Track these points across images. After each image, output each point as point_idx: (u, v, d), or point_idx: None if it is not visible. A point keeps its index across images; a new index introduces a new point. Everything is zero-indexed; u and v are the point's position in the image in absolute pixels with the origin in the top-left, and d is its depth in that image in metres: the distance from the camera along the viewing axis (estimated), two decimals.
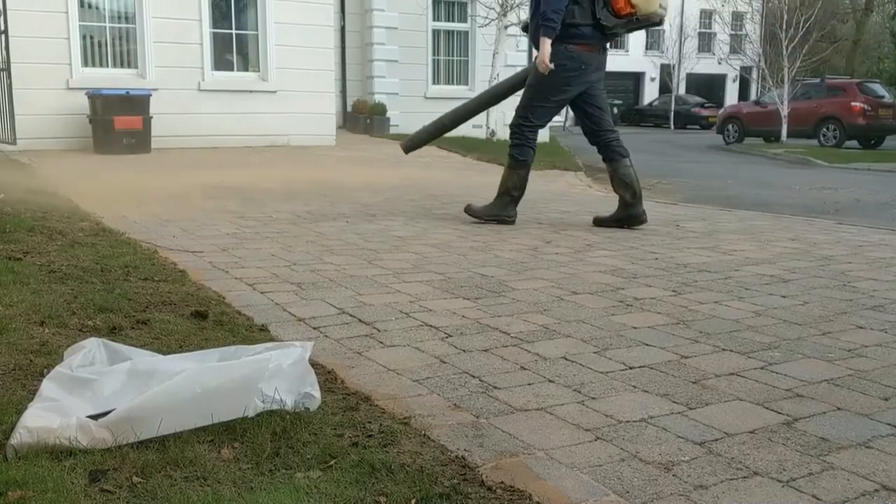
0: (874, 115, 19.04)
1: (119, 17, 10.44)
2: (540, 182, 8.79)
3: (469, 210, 5.10)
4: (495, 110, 14.40)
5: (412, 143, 5.73)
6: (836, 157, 15.63)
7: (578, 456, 1.70)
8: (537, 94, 4.88)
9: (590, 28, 4.73)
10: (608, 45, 5.00)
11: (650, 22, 5.00)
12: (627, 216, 4.98)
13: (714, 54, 33.98)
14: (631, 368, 2.28)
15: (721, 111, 24.46)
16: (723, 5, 30.40)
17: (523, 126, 4.92)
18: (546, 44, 4.68)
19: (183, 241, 4.11)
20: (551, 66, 4.68)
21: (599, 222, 5.07)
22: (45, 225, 4.24)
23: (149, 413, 1.65)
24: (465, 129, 15.03)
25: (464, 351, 2.41)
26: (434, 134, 5.65)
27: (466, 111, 5.54)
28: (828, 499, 1.54)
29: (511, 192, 5.01)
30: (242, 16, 11.36)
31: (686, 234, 4.93)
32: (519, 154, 4.96)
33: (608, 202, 7.11)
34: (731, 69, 30.62)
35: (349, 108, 15.50)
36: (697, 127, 31.44)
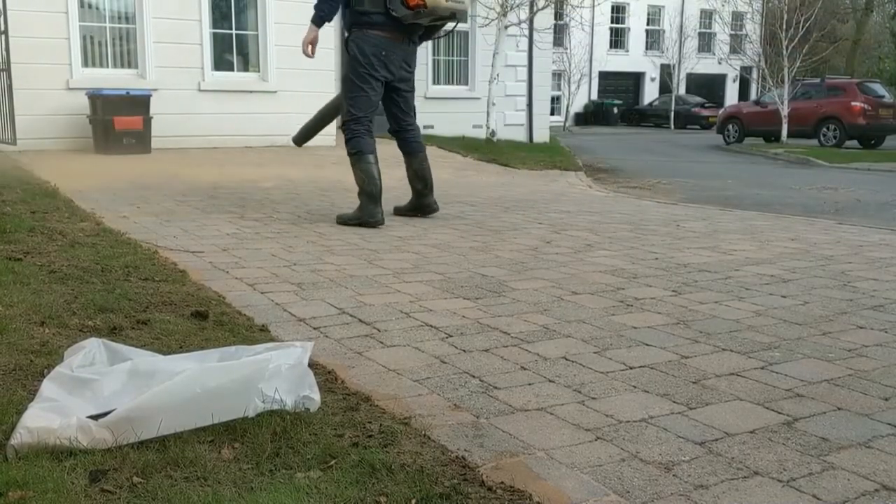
0: (874, 114, 19.05)
1: (119, 18, 10.44)
2: (540, 182, 8.79)
3: (338, 218, 4.91)
4: (494, 110, 14.50)
5: (301, 136, 5.96)
6: (837, 157, 15.64)
7: (579, 456, 1.70)
8: (350, 85, 4.88)
9: (381, 16, 4.73)
10: (415, 39, 4.94)
11: (443, 17, 4.85)
12: (420, 205, 5.26)
13: (714, 54, 34.00)
14: (631, 368, 2.28)
15: (721, 111, 24.46)
16: (723, 5, 30.41)
17: (347, 121, 4.86)
18: (310, 31, 4.83)
19: (183, 242, 4.11)
20: (311, 53, 4.90)
21: (398, 211, 5.29)
22: (46, 225, 4.24)
23: (149, 413, 1.65)
24: (465, 129, 15.11)
25: (464, 351, 2.41)
26: (320, 123, 5.89)
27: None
28: (828, 499, 1.54)
29: (365, 190, 4.78)
30: (242, 16, 11.36)
31: (686, 234, 4.93)
32: (351, 147, 4.84)
33: (609, 202, 7.12)
34: (731, 69, 30.63)
35: None
36: (698, 127, 31.44)
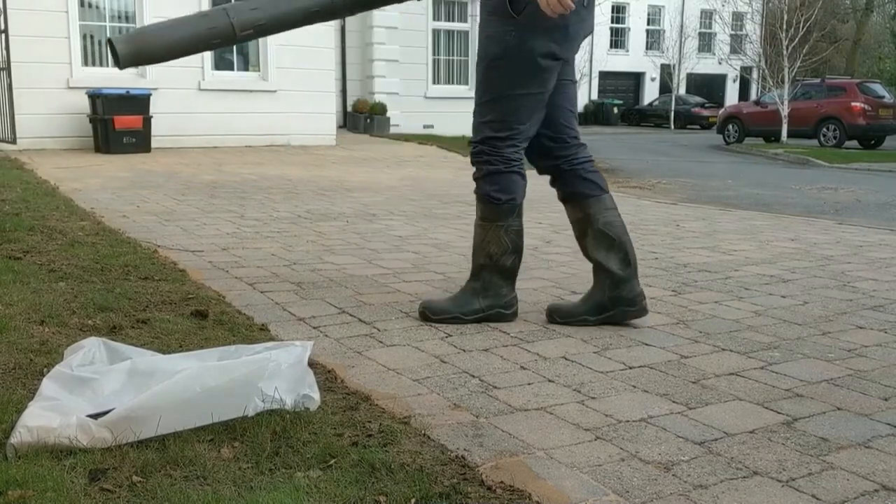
0: (874, 115, 19.05)
1: (119, 17, 10.44)
2: (540, 182, 8.77)
3: (428, 308, 2.73)
4: None
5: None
6: (837, 157, 15.63)
7: (578, 455, 1.70)
8: (508, 71, 2.55)
9: None
10: None
11: None
12: (617, 298, 2.73)
13: (714, 54, 33.98)
14: (631, 368, 2.28)
15: (721, 111, 24.45)
16: (723, 5, 30.40)
17: (496, 140, 2.61)
18: None
19: (183, 241, 4.11)
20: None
21: (566, 316, 2.75)
22: (45, 224, 4.24)
23: (149, 412, 1.65)
24: (465, 129, 15.08)
25: (464, 350, 2.41)
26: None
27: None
28: (827, 499, 1.54)
29: (499, 263, 2.68)
30: None
31: (686, 233, 4.93)
32: (496, 189, 2.62)
33: None
34: (731, 69, 30.61)
35: (349, 108, 15.51)
36: (698, 127, 31.43)
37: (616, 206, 2.75)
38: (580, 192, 2.74)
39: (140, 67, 10.38)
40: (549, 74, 2.57)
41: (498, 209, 2.65)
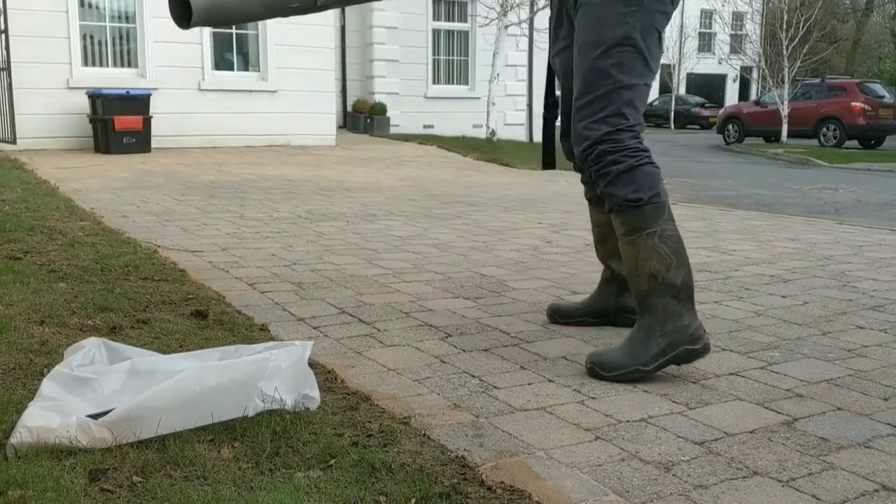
0: (874, 115, 19.06)
1: (119, 17, 10.44)
2: (540, 182, 8.80)
3: (599, 364, 2.21)
4: (495, 110, 14.50)
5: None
6: (837, 157, 15.64)
7: (578, 456, 1.70)
8: (628, 57, 2.24)
9: None
10: None
11: None
12: (616, 306, 2.70)
13: (714, 54, 33.98)
14: None
15: (721, 111, 24.46)
16: (723, 5, 30.40)
17: (617, 133, 2.25)
18: None
19: (183, 241, 4.11)
20: None
21: (563, 316, 2.74)
22: (45, 224, 4.24)
23: (149, 412, 1.65)
24: (465, 129, 15.08)
25: (464, 350, 2.41)
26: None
27: None
28: (828, 499, 1.54)
29: (667, 280, 2.19)
30: None
31: (686, 233, 4.91)
32: (633, 190, 2.21)
33: None
34: (731, 69, 30.64)
35: (349, 108, 15.52)
36: (698, 127, 31.44)
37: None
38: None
39: (140, 67, 10.40)
40: (659, 60, 2.35)
41: (642, 212, 2.20)
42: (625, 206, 2.22)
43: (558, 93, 2.58)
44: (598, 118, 2.25)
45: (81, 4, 10.08)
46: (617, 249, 2.49)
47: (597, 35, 2.24)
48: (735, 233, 5.00)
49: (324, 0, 2.35)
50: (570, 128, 2.42)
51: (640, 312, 2.25)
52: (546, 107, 2.64)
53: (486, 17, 14.58)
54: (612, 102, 2.24)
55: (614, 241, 2.46)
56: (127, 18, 10.45)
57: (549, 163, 2.70)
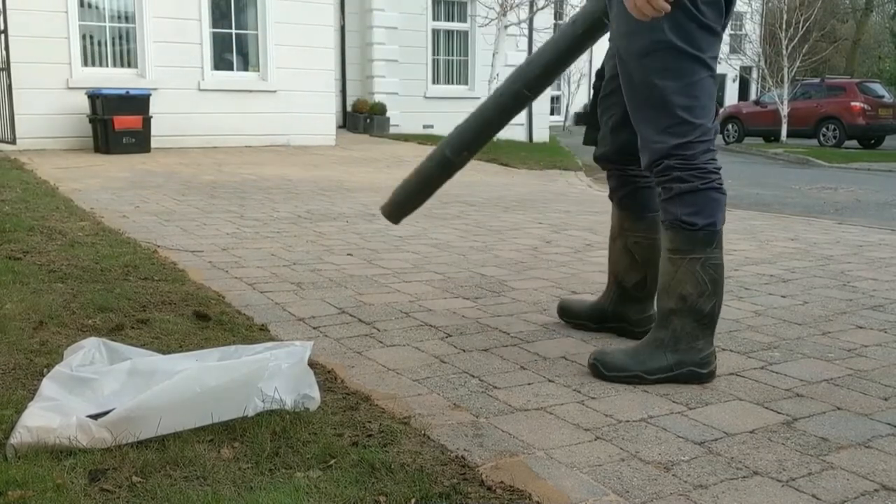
0: (874, 114, 19.06)
1: (119, 17, 10.44)
2: (540, 182, 8.79)
3: (602, 362, 2.22)
4: None
5: (396, 208, 2.85)
6: (836, 157, 15.64)
7: (578, 455, 1.70)
8: (669, 61, 2.10)
9: None
10: None
11: None
12: (617, 313, 2.65)
13: None
14: None
15: (721, 111, 24.42)
16: None
17: (690, 147, 2.13)
18: None
19: (183, 241, 4.11)
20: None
21: (569, 314, 2.74)
22: (45, 224, 4.24)
23: (148, 412, 1.65)
24: None
25: (464, 350, 2.41)
26: (423, 187, 2.80)
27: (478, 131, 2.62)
28: (827, 499, 1.54)
29: (696, 307, 2.17)
30: (242, 15, 11.36)
31: None
32: (691, 213, 2.15)
33: (608, 201, 7.09)
34: (730, 69, 30.58)
35: (349, 108, 15.51)
36: None
37: (656, 230, 2.36)
38: (626, 203, 2.51)
39: (139, 67, 10.41)
40: (712, 41, 2.16)
41: (693, 237, 2.13)
42: (678, 225, 2.15)
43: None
44: (661, 129, 2.14)
45: (81, 4, 10.07)
46: (622, 255, 2.52)
47: (629, 42, 2.15)
48: (735, 232, 5.00)
49: (458, 156, 2.57)
50: (598, 122, 2.44)
51: (657, 325, 2.23)
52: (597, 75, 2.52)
53: (486, 18, 14.58)
54: (668, 110, 2.11)
55: (621, 245, 2.50)
56: (127, 18, 10.45)
57: (591, 138, 2.56)
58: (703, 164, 2.13)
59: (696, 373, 2.17)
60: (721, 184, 2.18)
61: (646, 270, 2.49)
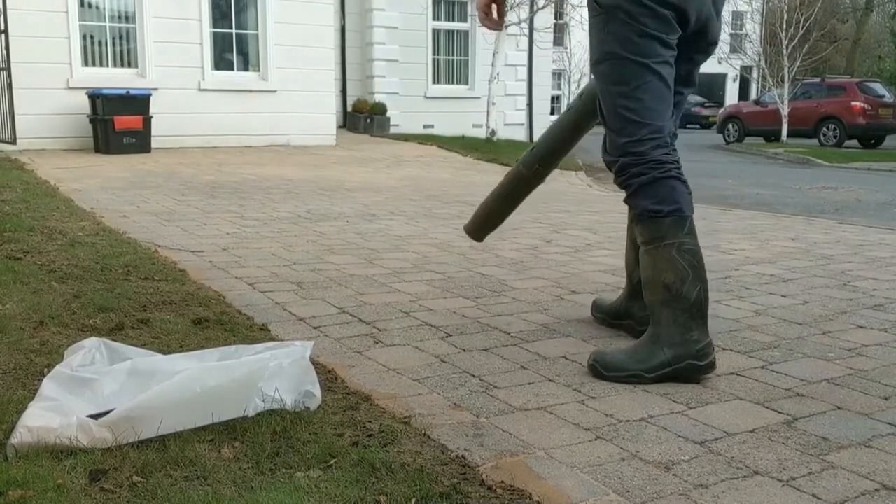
0: (874, 114, 19.07)
1: (119, 17, 10.44)
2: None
3: (601, 363, 2.22)
4: (494, 110, 14.50)
5: (479, 225, 3.00)
6: (837, 157, 15.64)
7: (578, 455, 1.70)
8: (614, 68, 2.26)
9: None
10: None
11: None
12: (627, 311, 2.69)
13: (714, 54, 33.98)
14: None
15: (721, 111, 24.47)
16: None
17: (641, 144, 2.25)
18: None
19: (183, 241, 4.11)
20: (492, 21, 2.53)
21: (601, 312, 2.76)
22: (46, 224, 4.24)
23: (149, 412, 1.65)
24: (465, 129, 15.08)
25: (464, 350, 2.41)
26: (506, 202, 2.97)
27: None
28: (828, 498, 1.54)
29: (682, 295, 2.19)
30: (242, 15, 11.37)
31: None
32: (655, 201, 2.24)
33: (608, 201, 7.11)
34: (731, 69, 30.57)
35: (349, 108, 15.51)
36: (698, 126, 31.44)
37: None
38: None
39: (140, 67, 10.41)
40: (657, 48, 2.28)
41: (662, 224, 2.21)
42: (645, 215, 2.24)
43: None
44: (615, 130, 2.28)
45: (81, 4, 10.08)
46: (630, 249, 2.55)
47: (592, 52, 2.33)
48: (735, 232, 5.00)
49: (531, 169, 2.74)
50: None
51: (651, 321, 2.25)
52: None
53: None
54: (617, 112, 2.26)
55: (630, 240, 2.54)
56: (127, 18, 10.45)
57: None
58: (656, 157, 2.23)
59: (695, 365, 2.17)
60: (680, 173, 2.26)
61: None
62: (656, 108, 2.24)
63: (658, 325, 2.22)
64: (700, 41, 2.34)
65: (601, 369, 2.20)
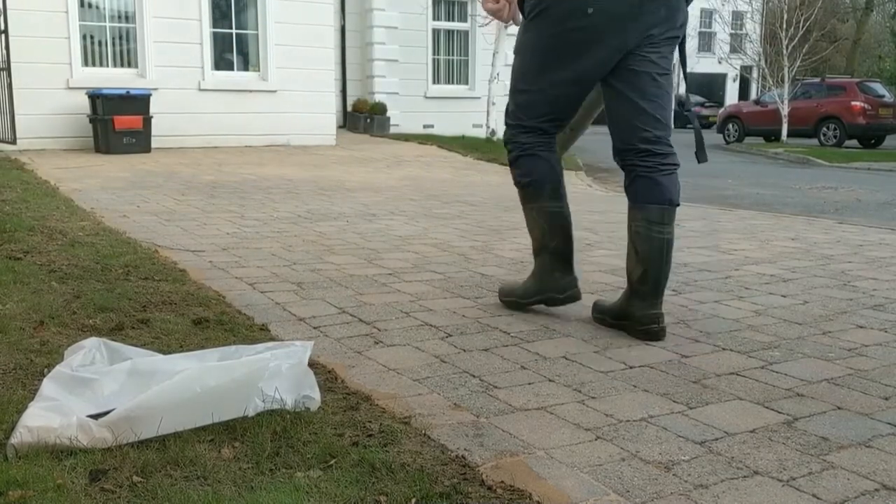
0: (874, 114, 19.06)
1: (119, 17, 10.44)
2: None
3: (500, 289, 2.99)
4: (495, 110, 14.50)
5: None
6: (837, 157, 15.64)
7: (578, 455, 1.70)
8: (517, 60, 2.73)
9: None
10: None
11: None
12: (627, 312, 2.72)
13: (714, 54, 33.96)
14: (631, 368, 2.28)
15: (721, 110, 24.46)
16: (723, 4, 30.37)
17: (513, 129, 2.76)
18: None
19: (183, 241, 4.11)
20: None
21: (601, 311, 2.79)
22: (46, 224, 4.24)
23: (149, 412, 1.65)
24: (465, 129, 15.07)
25: (464, 350, 2.41)
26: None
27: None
28: (828, 498, 1.54)
29: (546, 245, 2.79)
30: (242, 15, 11.37)
31: (686, 233, 4.93)
32: (520, 174, 2.78)
33: (609, 201, 7.11)
34: (731, 68, 30.59)
35: (349, 108, 15.51)
36: None
37: (659, 221, 2.53)
38: (627, 191, 2.65)
39: (140, 67, 10.41)
40: (563, 72, 2.62)
41: (524, 193, 2.79)
42: (517, 184, 2.81)
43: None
44: (506, 112, 2.80)
45: (81, 4, 10.08)
46: (629, 246, 2.64)
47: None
48: (735, 232, 5.00)
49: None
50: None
51: (535, 258, 2.84)
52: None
53: (486, 17, 14.52)
54: (511, 102, 2.76)
55: (629, 237, 2.63)
56: (127, 18, 10.45)
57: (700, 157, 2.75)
58: (521, 140, 2.75)
59: (555, 297, 2.80)
60: (536, 151, 2.72)
61: (646, 265, 2.55)
62: (541, 110, 2.68)
63: (536, 266, 2.83)
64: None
65: (500, 294, 2.94)
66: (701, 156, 2.71)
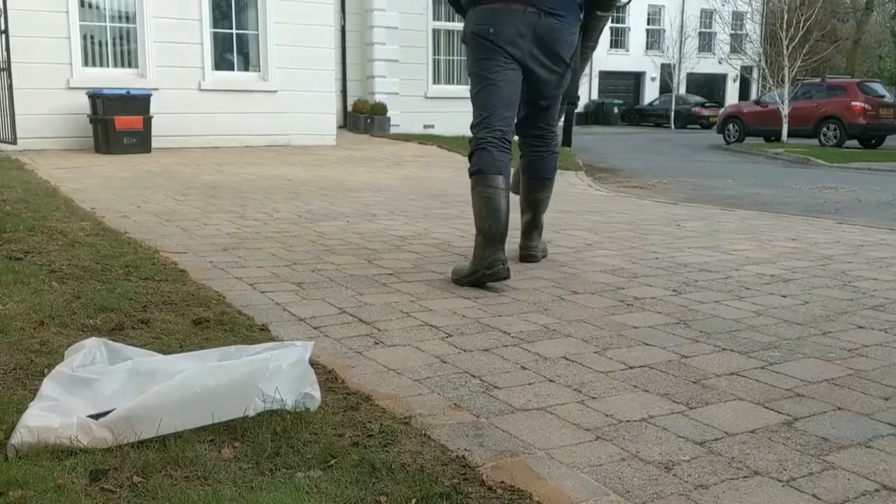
0: (875, 114, 19.06)
1: (119, 17, 10.44)
2: None
3: (454, 274, 3.39)
4: None
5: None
6: (837, 157, 15.65)
7: (579, 455, 1.70)
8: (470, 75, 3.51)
9: None
10: (547, 7, 3.31)
11: None
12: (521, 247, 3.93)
13: (714, 54, 33.96)
14: (631, 368, 2.28)
15: (721, 111, 24.46)
16: (723, 5, 30.40)
17: (474, 128, 3.43)
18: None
19: (183, 241, 4.11)
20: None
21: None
22: (46, 224, 4.24)
23: (149, 412, 1.65)
24: (465, 129, 15.07)
25: (464, 350, 2.41)
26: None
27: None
28: (828, 498, 1.54)
29: (481, 226, 3.27)
30: (243, 15, 11.37)
31: (686, 233, 4.93)
32: (471, 164, 3.36)
33: (609, 201, 7.12)
34: (731, 69, 30.62)
35: (349, 108, 15.52)
36: (698, 126, 31.43)
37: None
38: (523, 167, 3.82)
39: (140, 67, 10.41)
40: (491, 69, 3.38)
41: (473, 178, 3.31)
42: (469, 171, 3.33)
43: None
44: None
45: (81, 4, 10.08)
46: (525, 205, 3.79)
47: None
48: (735, 232, 5.00)
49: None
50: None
51: (475, 240, 3.27)
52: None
53: None
54: (473, 107, 3.42)
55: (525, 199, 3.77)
56: (127, 18, 10.45)
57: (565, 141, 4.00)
58: (479, 136, 3.33)
59: (485, 274, 3.18)
60: (494, 146, 3.28)
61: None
62: (493, 103, 3.33)
63: (475, 244, 3.25)
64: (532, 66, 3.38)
65: (452, 274, 3.36)
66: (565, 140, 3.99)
